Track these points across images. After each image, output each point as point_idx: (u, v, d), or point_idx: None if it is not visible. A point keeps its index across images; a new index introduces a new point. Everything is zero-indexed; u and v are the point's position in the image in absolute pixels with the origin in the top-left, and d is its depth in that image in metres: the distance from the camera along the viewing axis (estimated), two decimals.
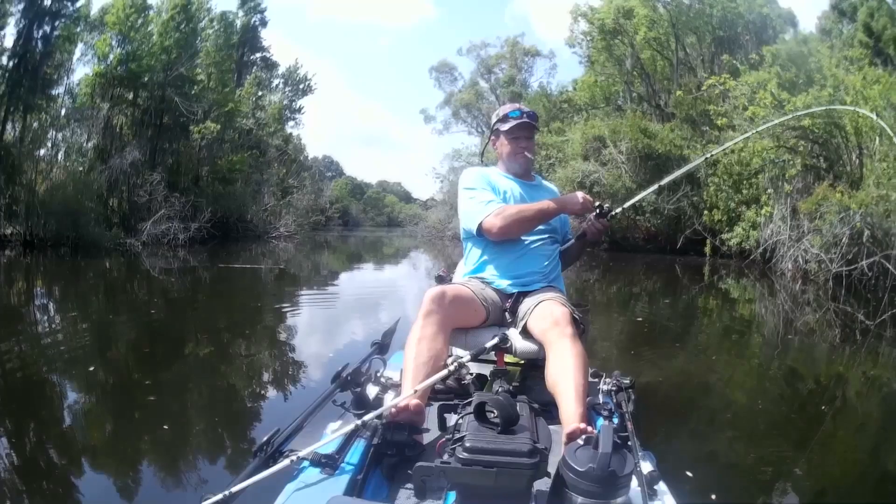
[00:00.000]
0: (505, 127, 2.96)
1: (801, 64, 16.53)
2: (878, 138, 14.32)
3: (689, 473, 3.06)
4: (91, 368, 4.96)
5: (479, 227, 2.79)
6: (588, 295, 10.85)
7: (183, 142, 25.66)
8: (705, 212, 19.61)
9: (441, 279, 2.99)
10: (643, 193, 3.65)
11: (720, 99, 20.30)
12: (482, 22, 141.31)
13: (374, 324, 7.48)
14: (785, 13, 25.52)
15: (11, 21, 19.04)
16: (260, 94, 36.03)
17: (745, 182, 18.50)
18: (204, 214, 23.06)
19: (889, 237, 12.27)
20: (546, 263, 2.87)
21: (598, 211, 2.90)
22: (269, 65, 38.90)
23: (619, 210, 3.05)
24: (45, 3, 19.74)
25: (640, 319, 8.85)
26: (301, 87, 40.10)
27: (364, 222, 79.23)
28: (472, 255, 2.94)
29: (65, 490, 2.81)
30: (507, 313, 2.73)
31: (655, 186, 3.53)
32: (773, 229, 15.72)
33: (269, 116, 35.19)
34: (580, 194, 2.83)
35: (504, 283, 2.80)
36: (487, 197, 2.83)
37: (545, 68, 55.24)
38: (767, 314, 9.87)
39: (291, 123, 40.47)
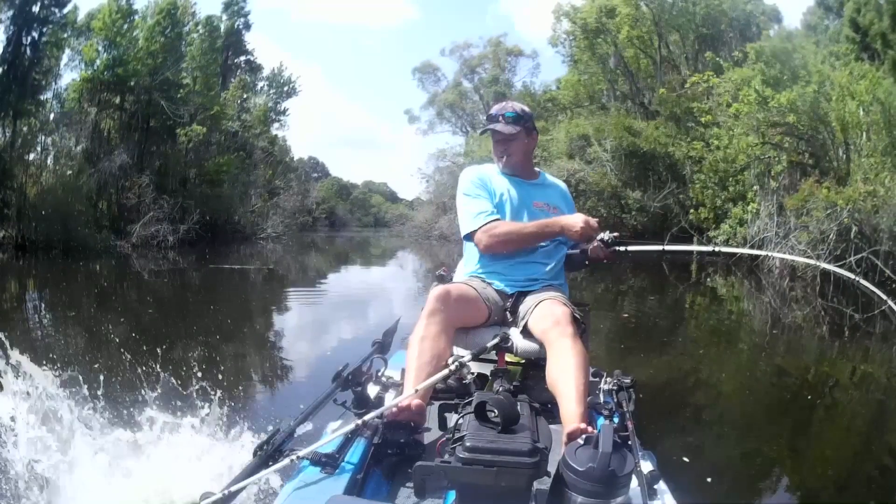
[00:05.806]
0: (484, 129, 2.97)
1: (785, 60, 16.55)
2: (864, 133, 14.40)
3: (685, 459, 3.10)
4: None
5: (469, 238, 2.79)
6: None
7: (170, 145, 25.56)
8: (692, 210, 19.67)
9: (442, 278, 2.96)
10: (649, 248, 3.25)
11: (704, 96, 20.40)
12: (465, 23, 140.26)
13: (370, 323, 7.50)
14: (769, 10, 25.70)
15: (0, 28, 19.33)
16: (245, 96, 35.86)
17: (731, 179, 18.53)
18: (192, 216, 23.15)
19: (877, 233, 12.31)
20: (547, 270, 2.81)
21: (599, 241, 2.70)
22: (254, 67, 38.68)
23: (623, 249, 2.75)
24: (34, 9, 19.88)
25: (626, 315, 8.90)
26: (285, 89, 39.93)
27: (351, 223, 78.69)
28: (473, 254, 2.89)
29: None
30: (507, 312, 2.70)
31: (661, 247, 3.20)
32: (759, 226, 15.76)
33: (254, 118, 35.05)
34: (581, 222, 2.67)
35: (504, 283, 2.77)
36: (479, 207, 2.78)
37: (528, 68, 55.19)
38: (757, 311, 9.96)
39: (277, 125, 40.34)
